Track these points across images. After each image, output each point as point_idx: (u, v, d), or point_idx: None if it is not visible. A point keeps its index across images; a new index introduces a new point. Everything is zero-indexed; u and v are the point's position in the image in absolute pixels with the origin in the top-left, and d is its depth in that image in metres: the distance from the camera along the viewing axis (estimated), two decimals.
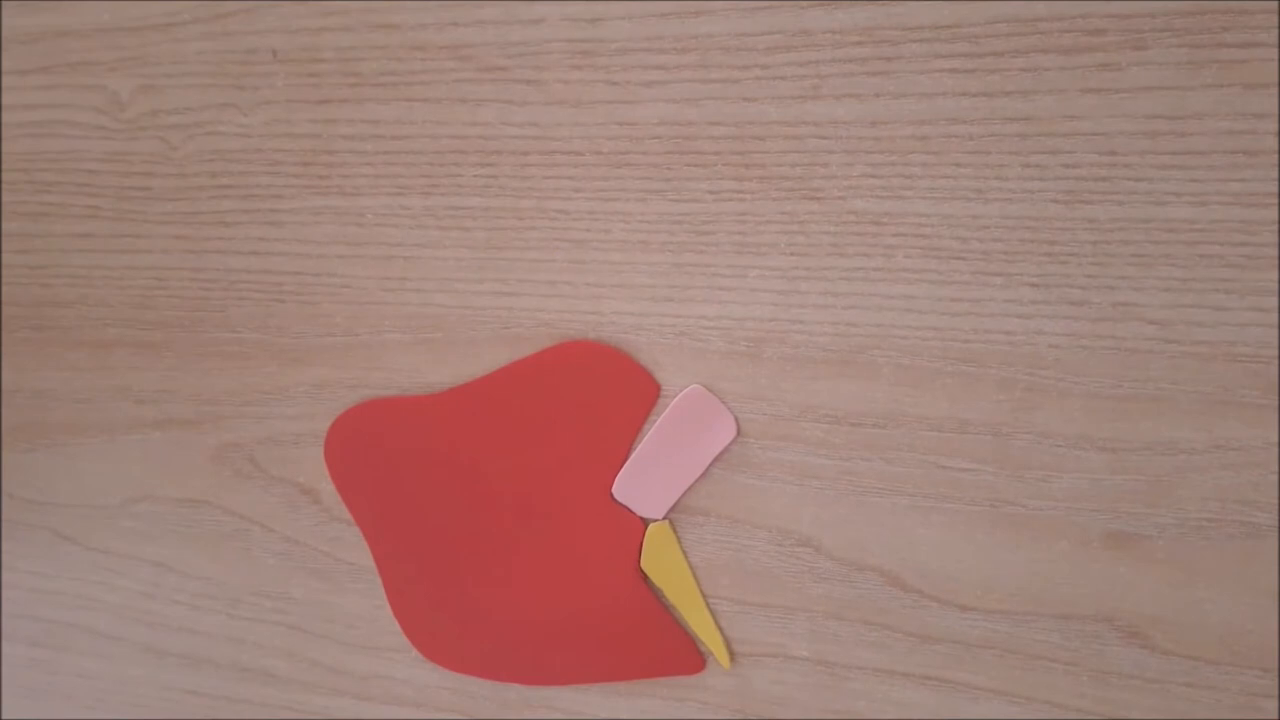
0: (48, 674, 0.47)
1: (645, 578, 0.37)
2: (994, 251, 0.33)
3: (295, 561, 0.42)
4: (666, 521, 0.36)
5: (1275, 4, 0.29)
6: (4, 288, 0.44)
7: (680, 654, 0.37)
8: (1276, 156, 0.30)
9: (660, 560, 0.37)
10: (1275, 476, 0.31)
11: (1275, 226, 0.30)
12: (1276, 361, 0.31)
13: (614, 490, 0.36)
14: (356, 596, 0.42)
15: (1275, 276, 0.30)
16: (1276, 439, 0.31)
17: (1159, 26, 0.30)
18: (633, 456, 0.36)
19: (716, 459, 0.36)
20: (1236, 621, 0.32)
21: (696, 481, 0.36)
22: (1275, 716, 0.32)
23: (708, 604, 0.37)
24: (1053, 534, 0.33)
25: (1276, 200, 0.30)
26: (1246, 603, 0.32)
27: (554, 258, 0.37)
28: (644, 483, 0.36)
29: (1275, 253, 0.30)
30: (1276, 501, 0.31)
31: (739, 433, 0.35)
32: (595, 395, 0.37)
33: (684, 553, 0.36)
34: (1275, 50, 0.29)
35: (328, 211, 0.39)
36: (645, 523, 0.37)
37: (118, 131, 0.41)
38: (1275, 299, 0.31)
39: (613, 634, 0.38)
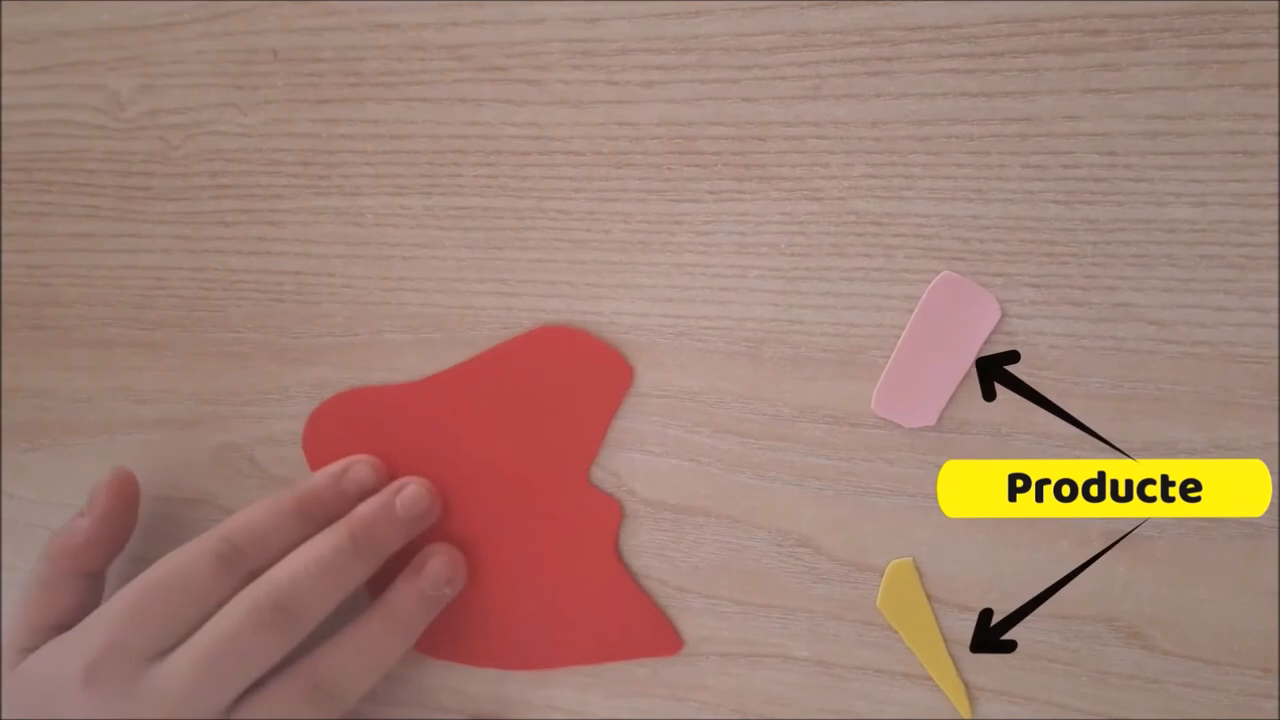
0: None
1: (622, 560, 0.38)
2: (994, 252, 0.33)
3: None
4: (910, 560, 0.35)
5: (1275, 4, 0.29)
6: (4, 288, 0.44)
7: (657, 635, 0.38)
8: (1276, 156, 0.30)
9: (900, 601, 0.35)
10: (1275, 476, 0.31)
11: (1275, 226, 0.30)
12: (1276, 361, 0.31)
13: (874, 405, 0.34)
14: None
15: (1275, 276, 0.30)
16: (1276, 439, 0.31)
17: (1159, 26, 0.30)
18: (889, 365, 0.34)
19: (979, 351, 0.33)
20: (1236, 621, 0.32)
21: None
22: (1275, 717, 0.32)
23: (948, 649, 0.35)
24: (1053, 534, 0.33)
25: (1276, 200, 0.30)
26: (1246, 603, 0.32)
27: (554, 258, 0.37)
28: (907, 390, 0.34)
29: (1275, 253, 0.30)
30: (1277, 501, 0.31)
31: (1003, 314, 0.33)
32: (570, 379, 0.37)
33: (927, 595, 0.35)
34: (1275, 50, 0.29)
35: (328, 211, 0.39)
36: (621, 506, 0.37)
37: (118, 131, 0.41)
38: (1275, 299, 0.31)
39: (590, 616, 0.38)
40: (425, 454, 0.39)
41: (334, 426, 0.40)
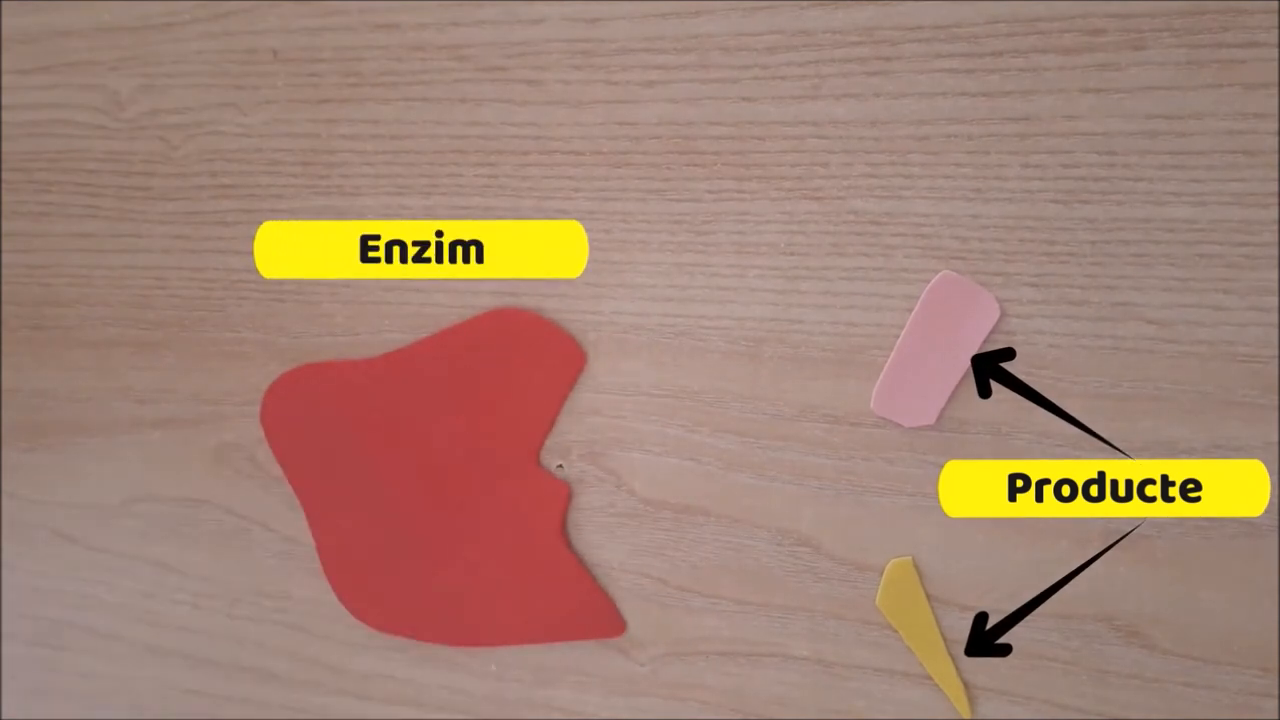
0: (48, 673, 0.47)
1: (568, 542, 0.38)
2: (993, 251, 0.33)
3: (295, 561, 0.42)
4: (910, 559, 0.35)
5: (1275, 4, 0.29)
6: (4, 288, 0.44)
7: (601, 617, 0.38)
8: (1276, 156, 0.30)
9: (900, 601, 0.35)
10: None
11: (1275, 226, 0.30)
12: (1276, 361, 0.31)
13: (873, 404, 0.34)
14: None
15: (1275, 276, 0.30)
16: (1276, 439, 0.31)
17: (1159, 26, 0.30)
18: (888, 365, 0.34)
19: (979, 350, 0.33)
20: (1236, 621, 0.32)
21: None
22: (1275, 717, 0.32)
23: (948, 648, 0.35)
24: (1053, 534, 0.33)
25: (1276, 200, 0.30)
26: (1246, 603, 0.32)
27: None
28: (907, 389, 0.34)
29: (1275, 253, 0.30)
30: (1277, 501, 0.31)
31: (1002, 313, 0.32)
32: (524, 362, 0.37)
33: (926, 594, 0.35)
34: (1275, 50, 0.29)
35: (328, 211, 0.39)
36: (569, 487, 0.37)
37: (118, 131, 0.41)
38: (1275, 299, 0.31)
39: (536, 596, 0.39)
40: (379, 429, 0.39)
41: (290, 401, 0.40)
